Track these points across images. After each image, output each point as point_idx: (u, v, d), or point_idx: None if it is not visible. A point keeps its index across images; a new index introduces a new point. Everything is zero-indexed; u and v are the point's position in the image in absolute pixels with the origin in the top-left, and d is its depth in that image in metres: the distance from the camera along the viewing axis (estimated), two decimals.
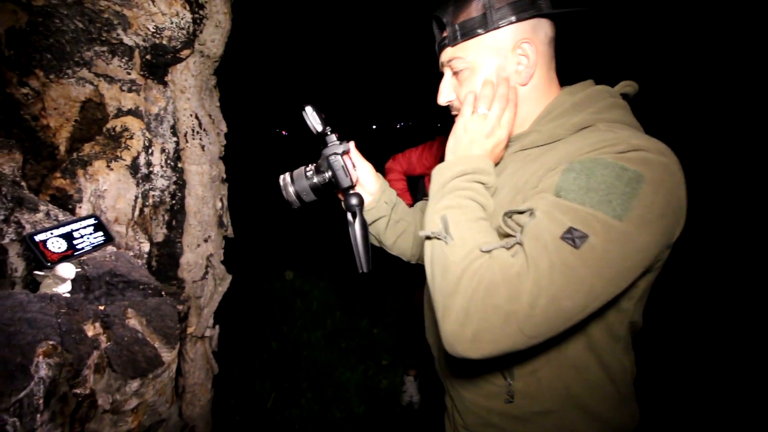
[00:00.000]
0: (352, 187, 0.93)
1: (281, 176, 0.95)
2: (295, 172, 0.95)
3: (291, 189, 0.93)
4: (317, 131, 0.91)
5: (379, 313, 3.68)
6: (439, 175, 0.77)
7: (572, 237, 0.58)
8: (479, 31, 0.77)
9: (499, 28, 0.76)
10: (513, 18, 0.75)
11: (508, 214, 0.68)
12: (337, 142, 0.92)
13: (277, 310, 3.72)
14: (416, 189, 2.56)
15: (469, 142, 0.77)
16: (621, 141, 0.64)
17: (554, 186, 0.64)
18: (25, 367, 0.66)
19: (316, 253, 5.07)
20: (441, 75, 0.87)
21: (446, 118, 0.92)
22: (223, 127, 1.56)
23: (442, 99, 0.86)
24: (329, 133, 0.92)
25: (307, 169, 0.94)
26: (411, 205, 1.26)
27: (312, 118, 0.90)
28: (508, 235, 0.68)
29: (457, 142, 0.79)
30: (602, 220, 0.58)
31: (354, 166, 0.95)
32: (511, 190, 0.77)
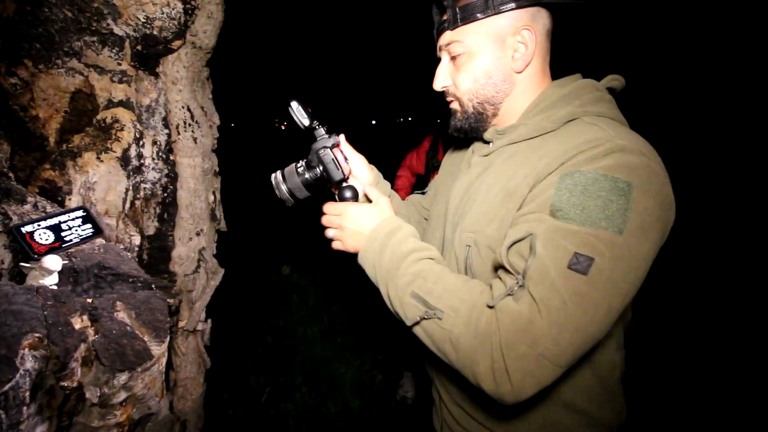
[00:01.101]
0: (345, 179, 0.92)
1: (272, 174, 0.93)
2: (286, 169, 0.93)
3: (284, 187, 0.91)
4: (304, 126, 0.89)
5: (376, 308, 3.68)
6: (368, 259, 0.79)
7: (579, 263, 0.58)
8: (479, 15, 0.75)
9: (499, 13, 0.75)
10: (514, 4, 0.74)
11: (509, 247, 0.65)
12: (326, 136, 0.91)
13: (273, 304, 3.72)
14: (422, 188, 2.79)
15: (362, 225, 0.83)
16: (605, 140, 0.64)
17: (549, 205, 0.63)
18: (10, 359, 0.66)
19: (314, 248, 5.05)
20: (438, 60, 0.85)
21: (446, 113, 0.90)
22: (216, 120, 1.54)
23: (438, 84, 0.85)
24: (317, 127, 0.90)
25: (298, 165, 0.93)
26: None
27: (298, 113, 0.88)
28: (504, 268, 0.66)
29: (356, 233, 0.83)
30: (604, 239, 0.59)
31: (345, 158, 0.94)
32: (501, 191, 0.76)
